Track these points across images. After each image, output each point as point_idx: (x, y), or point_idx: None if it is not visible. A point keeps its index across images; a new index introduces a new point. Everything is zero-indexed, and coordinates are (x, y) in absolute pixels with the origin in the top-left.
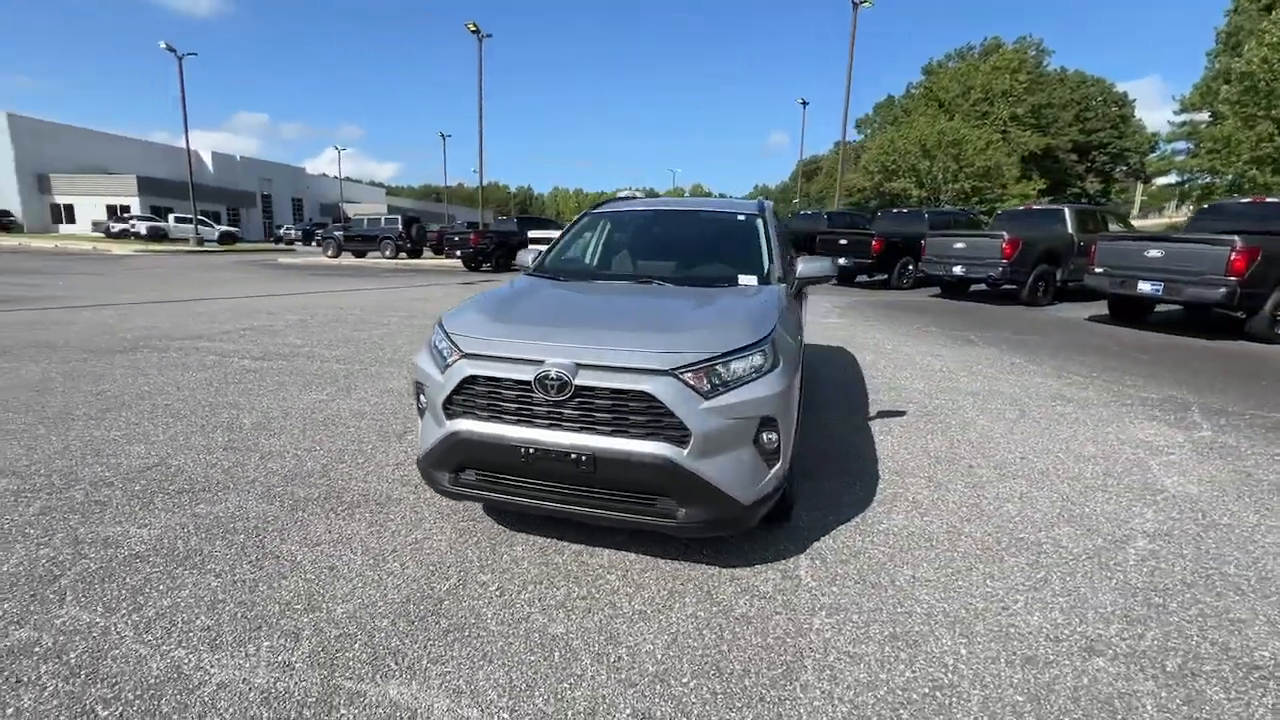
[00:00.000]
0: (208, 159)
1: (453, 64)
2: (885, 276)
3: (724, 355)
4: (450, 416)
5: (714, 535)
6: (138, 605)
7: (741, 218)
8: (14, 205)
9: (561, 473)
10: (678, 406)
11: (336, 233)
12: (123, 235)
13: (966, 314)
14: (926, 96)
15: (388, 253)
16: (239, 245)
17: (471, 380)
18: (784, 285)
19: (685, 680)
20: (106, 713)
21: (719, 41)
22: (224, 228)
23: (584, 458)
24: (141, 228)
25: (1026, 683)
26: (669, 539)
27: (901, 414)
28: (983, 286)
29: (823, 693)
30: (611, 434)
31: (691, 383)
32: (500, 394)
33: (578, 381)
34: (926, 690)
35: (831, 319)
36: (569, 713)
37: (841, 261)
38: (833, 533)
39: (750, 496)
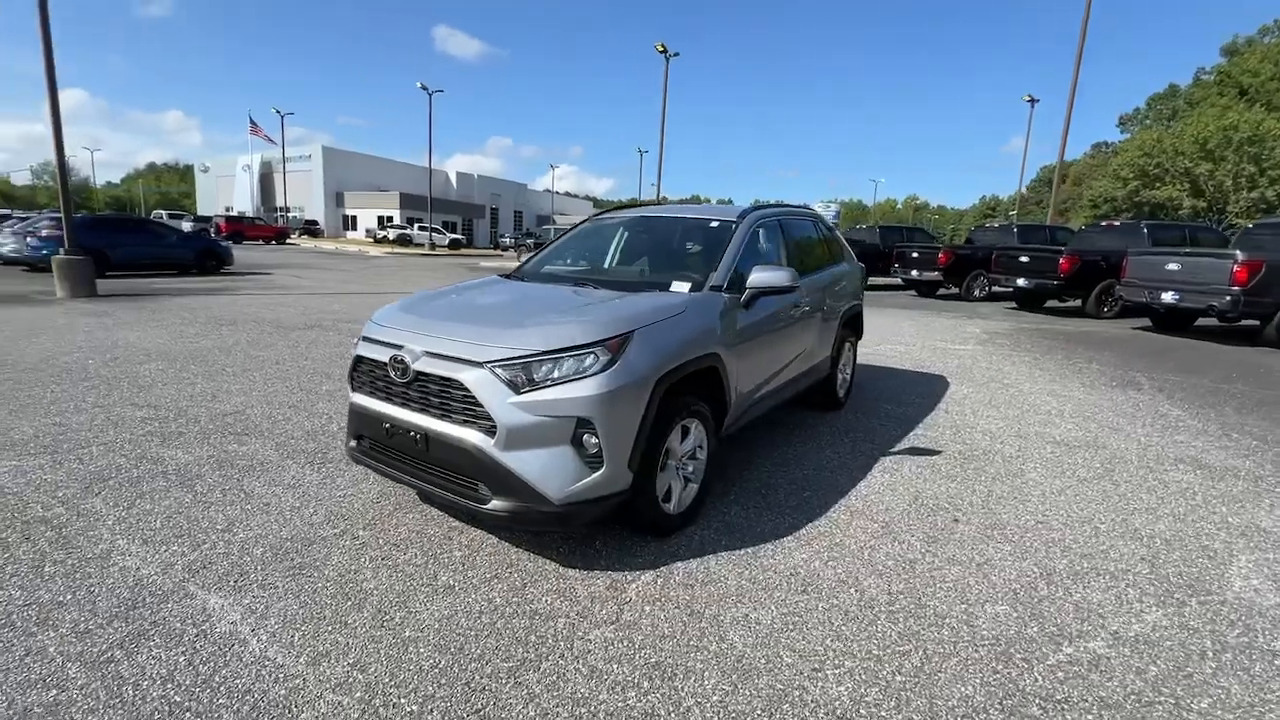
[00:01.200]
0: (453, 178)
1: (671, 85)
2: (1080, 301)
3: (540, 353)
4: (353, 389)
5: (527, 528)
6: (131, 504)
7: (715, 225)
8: (320, 216)
9: (408, 448)
10: (486, 398)
11: (528, 240)
12: (381, 240)
13: (1167, 353)
14: (1222, 83)
15: None
16: (463, 250)
17: (359, 359)
18: (725, 294)
19: (423, 649)
20: (63, 551)
21: (942, 40)
22: (454, 235)
23: (419, 436)
24: (392, 234)
25: None
26: (555, 532)
27: (929, 454)
28: (1211, 320)
29: (523, 698)
30: (439, 417)
31: (502, 376)
32: (373, 373)
33: (416, 367)
34: None
35: (965, 345)
36: (312, 651)
37: (1020, 282)
38: (687, 561)
39: (561, 496)
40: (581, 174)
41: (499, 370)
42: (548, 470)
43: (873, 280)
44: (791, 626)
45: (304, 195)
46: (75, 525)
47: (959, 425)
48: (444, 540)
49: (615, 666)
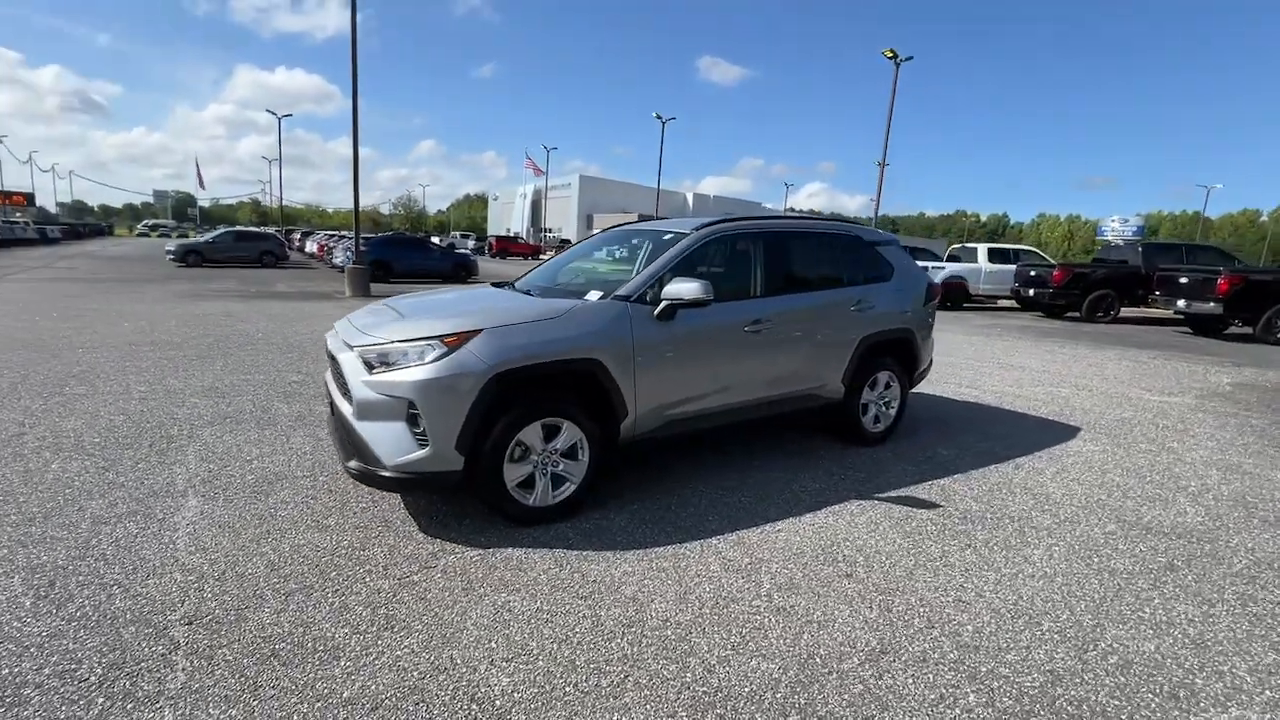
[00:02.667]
0: (690, 200)
1: (929, 94)
2: (1250, 329)
3: (394, 342)
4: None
5: (372, 488)
6: (225, 434)
7: (668, 237)
8: (573, 235)
9: (336, 420)
10: (350, 375)
11: None
12: None
13: None
14: None
15: None
16: None
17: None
18: (634, 304)
19: (266, 555)
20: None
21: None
22: None
23: (330, 405)
24: None
25: None
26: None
27: (926, 507)
28: None
29: (343, 670)
30: (341, 391)
31: (363, 358)
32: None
33: (329, 349)
34: None
35: (1177, 397)
36: (207, 565)
37: (1180, 304)
38: (517, 548)
39: (393, 465)
40: (833, 190)
41: (362, 353)
42: (383, 440)
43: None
44: (534, 624)
45: (563, 217)
46: (186, 444)
47: (1015, 485)
48: (366, 495)
49: (360, 608)
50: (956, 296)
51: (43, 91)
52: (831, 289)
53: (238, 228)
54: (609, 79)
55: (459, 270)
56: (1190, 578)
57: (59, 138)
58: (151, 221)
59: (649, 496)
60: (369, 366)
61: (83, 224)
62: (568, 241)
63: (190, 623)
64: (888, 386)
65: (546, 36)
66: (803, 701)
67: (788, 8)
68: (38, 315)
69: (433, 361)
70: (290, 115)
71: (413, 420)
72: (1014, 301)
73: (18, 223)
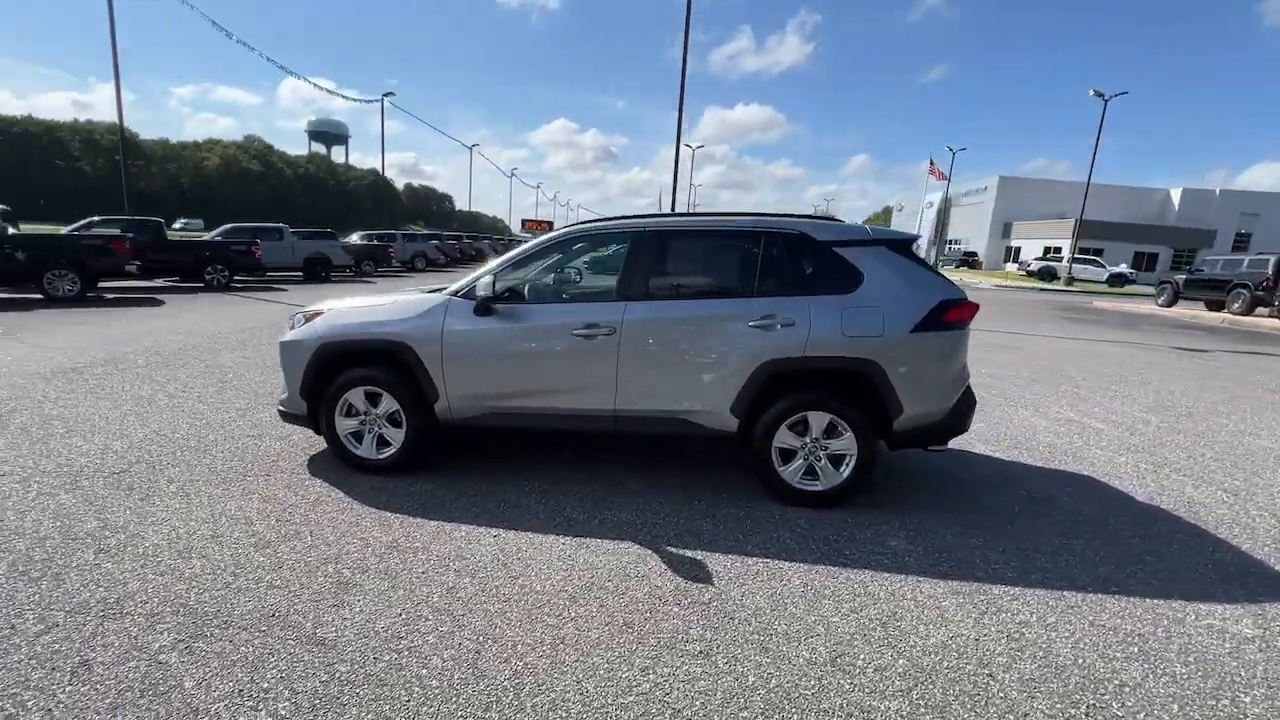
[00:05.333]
0: (1175, 197)
1: None
2: None
3: (301, 314)
4: None
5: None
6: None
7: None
8: (981, 248)
9: None
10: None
11: (1180, 276)
12: (1026, 273)
13: None
14: None
15: (1237, 306)
16: (1113, 289)
17: None
18: (454, 298)
19: (256, 525)
20: None
21: None
22: (1118, 269)
23: None
24: (1035, 266)
25: None
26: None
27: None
28: None
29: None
30: None
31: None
32: None
33: None
34: None
35: None
36: (188, 535)
37: None
38: (330, 489)
39: (281, 402)
40: None
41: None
42: (284, 382)
43: None
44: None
45: (972, 227)
46: None
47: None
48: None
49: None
50: None
51: (584, 149)
52: (716, 299)
53: None
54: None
55: None
56: None
57: (586, 180)
58: None
59: (496, 485)
60: (291, 325)
61: None
62: (973, 254)
63: None
64: (830, 434)
65: (1003, 31)
66: None
67: None
68: None
69: (293, 329)
70: (690, 150)
71: (285, 369)
72: None
73: None
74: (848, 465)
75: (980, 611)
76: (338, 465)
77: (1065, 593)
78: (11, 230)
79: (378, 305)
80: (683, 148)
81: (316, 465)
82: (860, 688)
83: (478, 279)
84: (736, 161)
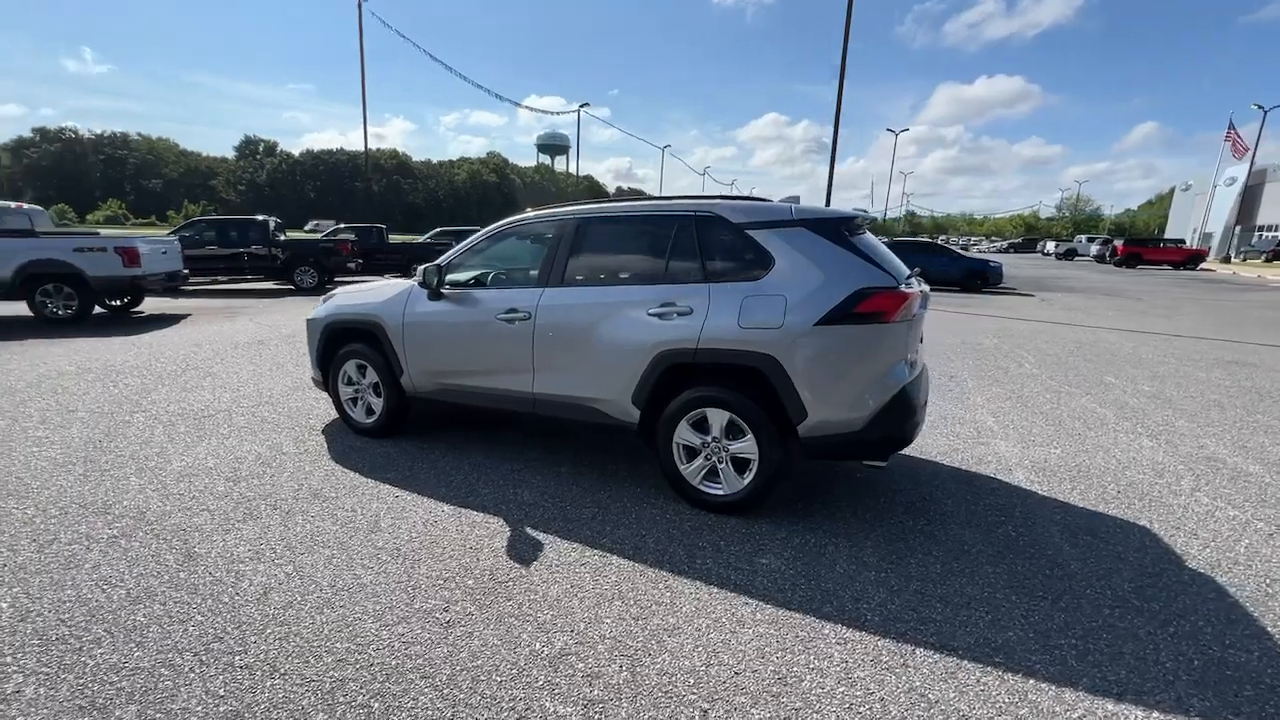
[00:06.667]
0: None
1: None
2: None
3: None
4: None
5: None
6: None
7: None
8: None
9: None
10: None
11: None
12: None
13: None
14: None
15: None
16: None
17: None
18: (414, 283)
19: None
20: None
21: None
22: None
23: None
24: None
25: None
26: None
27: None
28: None
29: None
30: None
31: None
32: None
33: None
34: None
35: None
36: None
37: None
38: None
39: (310, 374)
40: None
41: None
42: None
43: None
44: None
45: None
46: None
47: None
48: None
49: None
50: None
51: (794, 141)
52: (623, 285)
53: None
54: None
55: (972, 279)
56: None
57: (794, 175)
58: None
59: (443, 455)
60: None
61: None
62: None
63: None
64: (732, 435)
65: None
66: None
67: None
68: None
69: (315, 309)
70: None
71: (308, 342)
72: None
73: None
74: (751, 470)
75: (776, 647)
76: (341, 427)
77: (943, 657)
78: (281, 237)
79: (371, 289)
80: (891, 133)
81: (329, 427)
82: (553, 688)
83: (435, 266)
84: (972, 143)
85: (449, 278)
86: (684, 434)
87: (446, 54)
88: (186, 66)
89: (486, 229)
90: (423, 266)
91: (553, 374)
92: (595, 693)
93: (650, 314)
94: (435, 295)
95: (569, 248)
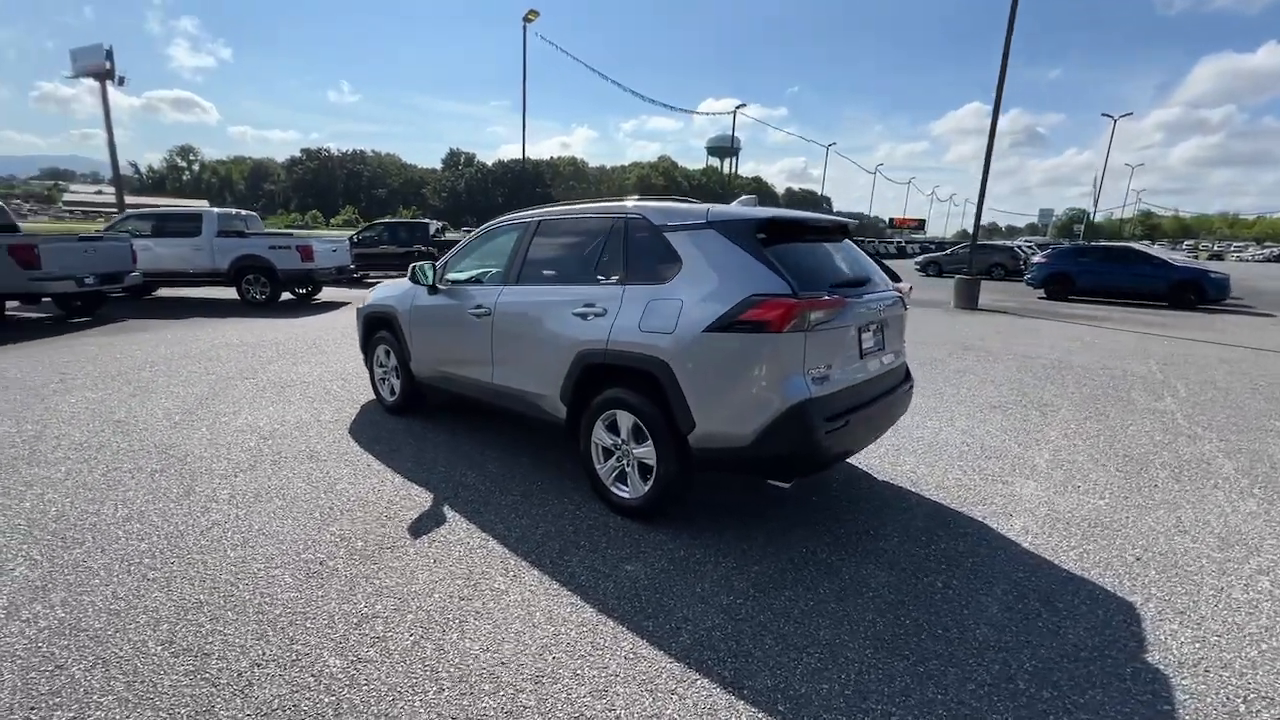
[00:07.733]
0: None
1: None
2: None
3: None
4: None
5: None
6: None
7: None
8: None
9: None
10: None
11: None
12: None
13: None
14: None
15: None
16: None
17: None
18: (416, 286)
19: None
20: None
21: None
22: None
23: None
24: None
25: None
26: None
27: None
28: None
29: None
30: None
31: None
32: None
33: None
34: None
35: None
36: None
37: None
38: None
39: None
40: None
41: None
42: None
43: None
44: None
45: None
46: None
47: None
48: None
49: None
50: None
51: (999, 134)
52: (561, 285)
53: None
54: None
55: (1184, 292)
56: None
57: (998, 171)
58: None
59: (438, 438)
60: None
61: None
62: None
63: None
64: (638, 439)
65: None
66: None
67: None
68: None
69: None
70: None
71: (357, 329)
72: None
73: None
74: (652, 476)
75: (561, 647)
76: (375, 403)
77: (724, 694)
78: (442, 237)
79: (396, 284)
80: (1108, 118)
81: (370, 403)
82: (342, 643)
83: (441, 266)
84: (1247, 126)
85: (448, 275)
86: (600, 434)
87: (628, 62)
88: (408, 89)
89: (479, 229)
90: (414, 264)
91: (505, 368)
92: (370, 653)
93: (574, 314)
94: (434, 290)
95: (525, 249)
